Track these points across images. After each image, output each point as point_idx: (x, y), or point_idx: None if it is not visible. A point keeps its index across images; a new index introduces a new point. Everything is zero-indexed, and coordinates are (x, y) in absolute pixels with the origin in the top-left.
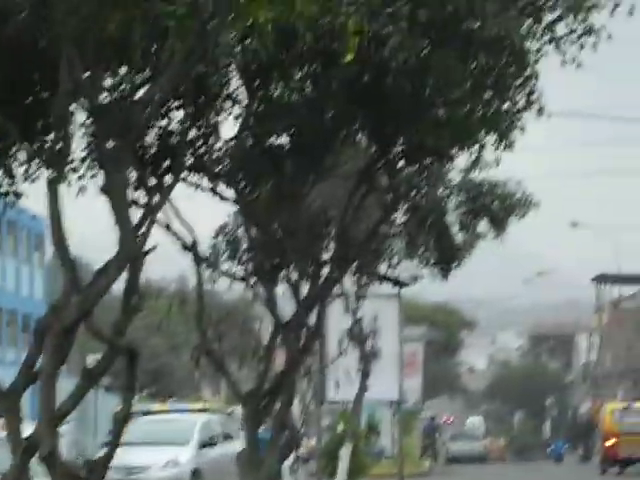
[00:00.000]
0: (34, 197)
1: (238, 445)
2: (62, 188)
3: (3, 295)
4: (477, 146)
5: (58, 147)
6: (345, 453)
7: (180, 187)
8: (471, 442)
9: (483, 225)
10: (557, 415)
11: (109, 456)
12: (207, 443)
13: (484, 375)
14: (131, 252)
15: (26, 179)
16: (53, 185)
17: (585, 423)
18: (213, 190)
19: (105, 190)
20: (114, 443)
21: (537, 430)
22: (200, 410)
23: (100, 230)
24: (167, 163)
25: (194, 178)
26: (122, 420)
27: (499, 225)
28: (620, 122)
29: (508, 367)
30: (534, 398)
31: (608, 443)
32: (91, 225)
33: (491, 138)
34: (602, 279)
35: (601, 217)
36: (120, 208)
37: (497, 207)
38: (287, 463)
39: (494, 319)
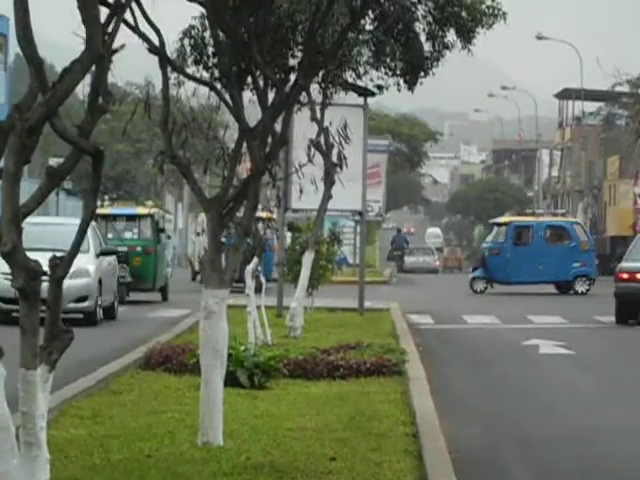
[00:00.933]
0: None
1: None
2: None
3: None
4: None
5: None
6: (307, 260)
7: None
8: (425, 256)
9: (450, 35)
10: None
11: (74, 253)
12: (105, 251)
13: (447, 188)
14: (98, 50)
15: None
16: None
17: None
18: None
19: None
20: (78, 242)
21: None
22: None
23: (63, 35)
24: None
25: None
26: (87, 220)
27: (466, 35)
28: None
29: (471, 181)
30: (495, 212)
31: None
32: (53, 29)
33: None
34: (565, 95)
35: (568, 31)
36: (88, 5)
37: (465, 17)
38: (249, 267)
39: (458, 132)
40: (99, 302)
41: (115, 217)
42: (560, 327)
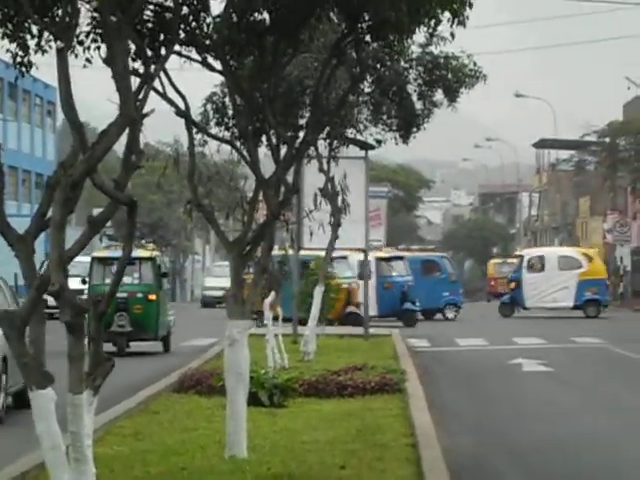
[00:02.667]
0: (46, 68)
1: None
2: (70, 61)
3: (19, 156)
4: (433, 22)
5: (67, 20)
6: (318, 293)
7: (174, 60)
8: None
9: (438, 95)
10: None
11: (113, 291)
12: None
13: (439, 228)
14: (131, 114)
15: (37, 51)
16: (62, 53)
17: None
18: (203, 62)
19: (108, 61)
20: (117, 281)
21: (485, 275)
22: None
23: (102, 100)
24: (162, 37)
25: (186, 51)
26: (123, 262)
27: (452, 95)
28: None
29: (460, 221)
30: (482, 248)
31: (492, 283)
32: (94, 96)
33: (445, 15)
34: (541, 144)
35: (542, 88)
36: (121, 76)
37: (451, 79)
38: (267, 300)
39: (448, 180)
40: (7, 388)
41: (113, 261)
42: (540, 347)
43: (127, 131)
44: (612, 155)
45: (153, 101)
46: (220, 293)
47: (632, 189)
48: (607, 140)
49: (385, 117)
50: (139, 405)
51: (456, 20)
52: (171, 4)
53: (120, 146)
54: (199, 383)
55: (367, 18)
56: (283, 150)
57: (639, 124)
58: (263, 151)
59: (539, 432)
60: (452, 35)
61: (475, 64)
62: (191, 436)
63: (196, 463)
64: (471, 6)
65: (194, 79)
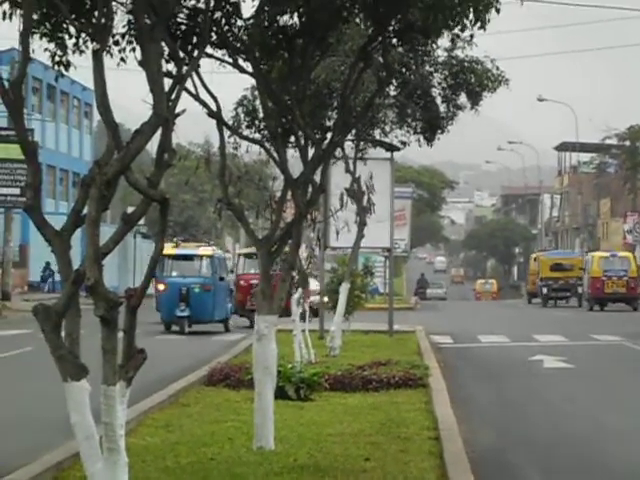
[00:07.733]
0: (84, 71)
1: None
2: (107, 63)
3: (57, 156)
4: (458, 28)
5: (102, 22)
6: (344, 290)
7: (207, 63)
8: (438, 289)
9: (462, 98)
10: (523, 262)
11: (145, 286)
12: None
13: (462, 228)
14: (163, 114)
15: (75, 51)
16: (98, 54)
17: None
18: (234, 64)
19: (142, 63)
20: (149, 276)
21: (507, 274)
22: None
23: (137, 102)
24: (195, 39)
25: (218, 53)
26: (155, 258)
27: (475, 98)
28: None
29: (483, 221)
30: (504, 247)
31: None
32: (129, 99)
33: (470, 17)
34: (563, 147)
35: (564, 93)
36: (155, 77)
37: (474, 83)
38: (295, 296)
39: (471, 181)
40: None
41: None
42: (561, 344)
43: (160, 130)
44: (632, 158)
45: (184, 102)
46: None
47: None
48: (627, 143)
49: (410, 120)
50: (170, 398)
51: (478, 23)
52: (203, 7)
53: (154, 146)
54: (228, 377)
55: (393, 22)
56: (311, 151)
57: None
58: (291, 152)
59: (555, 426)
60: (471, 36)
61: (498, 68)
62: (220, 428)
63: (225, 454)
64: (498, 12)
65: (225, 82)
